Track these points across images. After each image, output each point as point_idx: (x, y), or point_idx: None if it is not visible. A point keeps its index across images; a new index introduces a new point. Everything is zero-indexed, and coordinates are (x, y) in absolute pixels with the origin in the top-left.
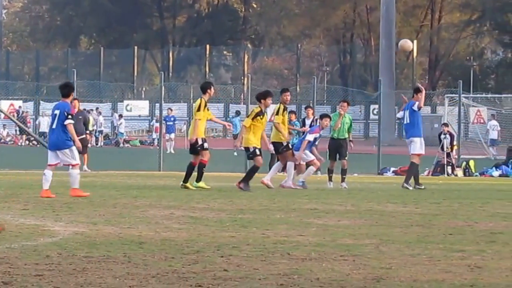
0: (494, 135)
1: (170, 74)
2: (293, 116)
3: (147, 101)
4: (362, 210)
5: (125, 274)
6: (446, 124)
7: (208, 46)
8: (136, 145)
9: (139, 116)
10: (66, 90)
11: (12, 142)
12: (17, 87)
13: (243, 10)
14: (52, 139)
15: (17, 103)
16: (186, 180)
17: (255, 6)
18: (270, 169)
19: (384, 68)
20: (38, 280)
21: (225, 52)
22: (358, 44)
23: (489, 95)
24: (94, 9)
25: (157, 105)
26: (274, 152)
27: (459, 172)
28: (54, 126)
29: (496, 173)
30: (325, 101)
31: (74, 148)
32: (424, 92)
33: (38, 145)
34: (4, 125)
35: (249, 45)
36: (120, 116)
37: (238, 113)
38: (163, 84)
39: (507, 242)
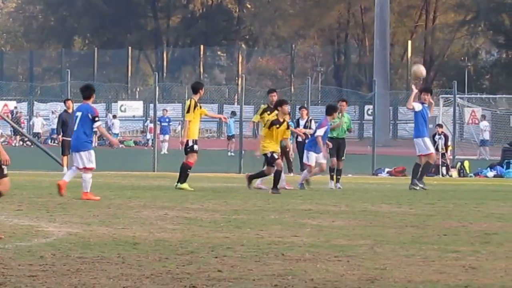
0: (485, 135)
1: (164, 74)
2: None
3: (141, 102)
4: (357, 210)
5: (119, 274)
6: (440, 125)
7: (202, 47)
8: (130, 145)
9: (133, 116)
10: (87, 92)
11: (6, 142)
12: (11, 87)
13: (237, 11)
14: (72, 141)
15: (11, 104)
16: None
17: (249, 6)
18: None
19: (378, 68)
20: (32, 281)
21: (219, 53)
22: (353, 45)
23: (484, 96)
24: (88, 9)
25: (151, 105)
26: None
27: (454, 172)
28: (75, 128)
29: (490, 173)
30: (319, 102)
31: (92, 151)
32: (428, 94)
33: (32, 146)
34: None
35: (243, 45)
36: (114, 116)
37: (234, 113)
38: (157, 84)
39: (501, 242)
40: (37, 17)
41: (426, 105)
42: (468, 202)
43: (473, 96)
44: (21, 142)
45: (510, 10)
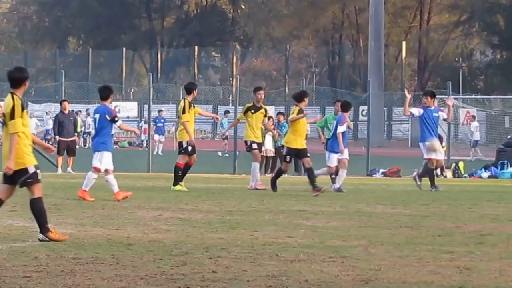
0: (476, 136)
1: (159, 75)
2: (281, 117)
3: (135, 103)
4: (351, 211)
5: (114, 275)
6: None
7: (196, 47)
8: (124, 146)
9: (128, 117)
10: (105, 93)
11: (0, 144)
12: (5, 88)
13: (232, 11)
14: (93, 142)
15: None
16: (180, 180)
17: (243, 7)
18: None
19: (372, 69)
20: (26, 282)
21: (213, 53)
22: (347, 45)
23: (479, 96)
24: (82, 10)
25: (146, 106)
26: (247, 151)
27: (449, 173)
28: (95, 130)
29: (485, 174)
30: (313, 102)
31: (106, 153)
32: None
33: None
34: None
35: (237, 46)
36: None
37: (227, 112)
38: (151, 85)
39: (495, 243)
40: (32, 18)
41: (431, 108)
42: (463, 203)
43: (467, 96)
44: None
45: (505, 10)
